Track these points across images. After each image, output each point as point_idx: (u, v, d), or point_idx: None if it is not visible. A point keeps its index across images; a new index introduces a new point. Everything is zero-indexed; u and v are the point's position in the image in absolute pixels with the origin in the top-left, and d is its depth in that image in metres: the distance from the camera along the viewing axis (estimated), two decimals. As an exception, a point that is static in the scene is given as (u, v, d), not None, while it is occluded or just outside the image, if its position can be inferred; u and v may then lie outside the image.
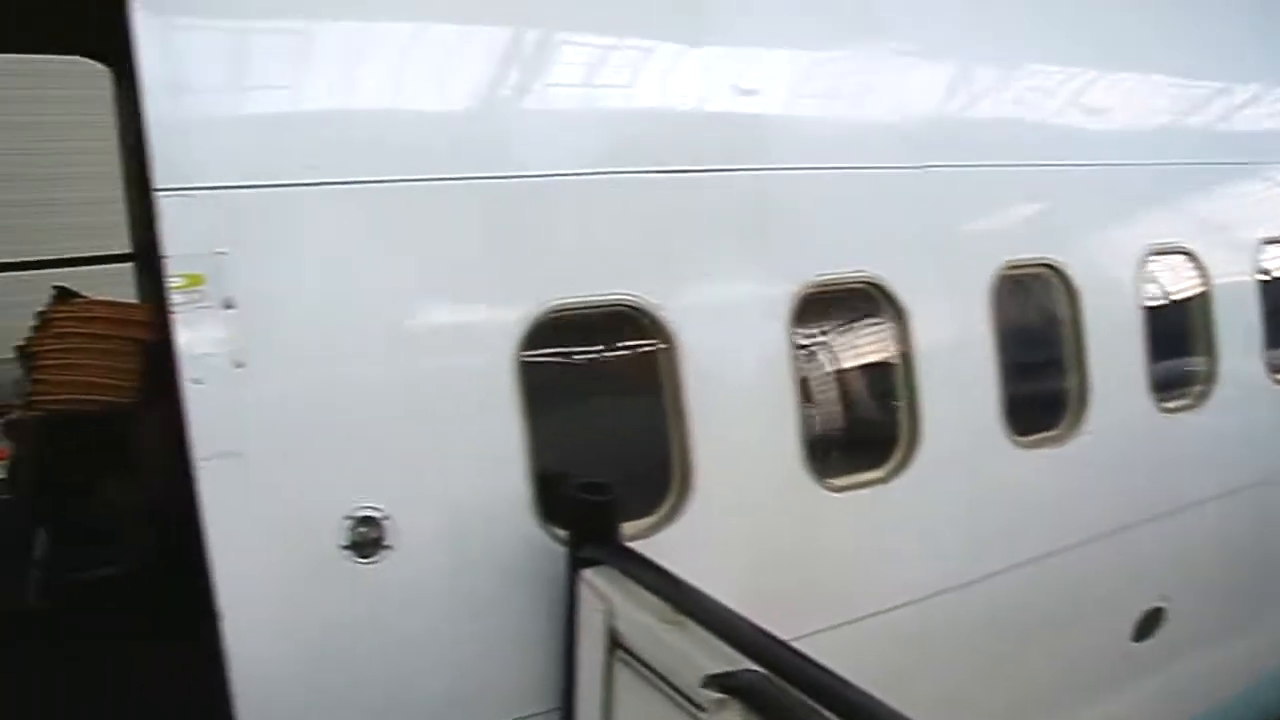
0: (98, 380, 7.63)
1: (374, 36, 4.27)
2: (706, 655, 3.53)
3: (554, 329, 4.36)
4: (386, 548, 4.04)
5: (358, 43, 4.24)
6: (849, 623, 5.20)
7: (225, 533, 3.78)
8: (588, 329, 4.54)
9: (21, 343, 7.90)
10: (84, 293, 8.10)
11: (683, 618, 3.75)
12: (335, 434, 3.97)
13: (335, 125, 4.11)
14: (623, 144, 4.61)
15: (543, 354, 4.36)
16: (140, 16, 3.78)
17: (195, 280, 3.73)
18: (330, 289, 4.00)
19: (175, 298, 3.72)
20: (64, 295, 7.85)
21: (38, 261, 9.77)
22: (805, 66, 5.25)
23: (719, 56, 4.90)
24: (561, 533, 4.32)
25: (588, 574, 4.14)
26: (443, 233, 4.20)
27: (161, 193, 3.74)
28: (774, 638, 3.45)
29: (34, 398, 7.62)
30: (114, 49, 9.28)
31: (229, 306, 3.78)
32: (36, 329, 7.79)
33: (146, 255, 9.31)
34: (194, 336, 3.75)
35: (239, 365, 3.79)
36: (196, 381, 3.73)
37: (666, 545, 4.47)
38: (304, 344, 3.96)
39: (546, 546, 4.31)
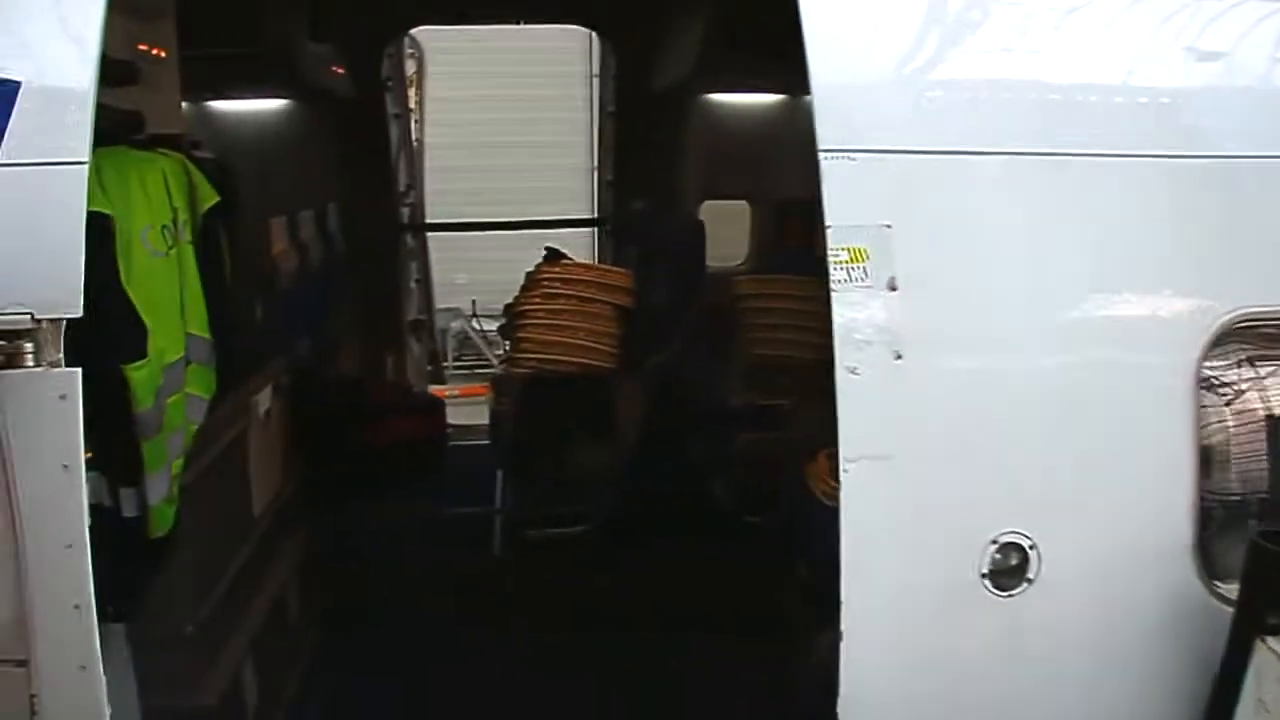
0: (579, 342, 7.47)
1: (1044, 4, 3.58)
2: None
3: (1235, 340, 3.50)
4: (1027, 580, 3.36)
5: (1030, 10, 3.58)
6: None
7: (862, 545, 3.20)
8: (1263, 342, 3.64)
9: (509, 301, 7.87)
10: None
11: None
12: (991, 442, 3.33)
13: (1012, 93, 3.47)
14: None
15: (1220, 368, 3.51)
16: None
17: (858, 256, 3.17)
18: (997, 274, 3.34)
19: (835, 274, 3.15)
20: (552, 256, 7.72)
21: (515, 222, 9.92)
22: None
23: None
24: (1223, 586, 3.47)
25: (1275, 643, 3.26)
26: (1128, 217, 3.43)
27: (825, 154, 3.20)
28: None
29: (517, 355, 7.55)
30: (608, 16, 9.38)
31: (892, 288, 3.19)
32: (524, 288, 7.71)
33: (618, 220, 9.21)
34: (853, 319, 3.18)
35: (898, 356, 3.19)
36: (852, 371, 3.17)
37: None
38: (966, 336, 3.33)
39: (1203, 601, 3.47)
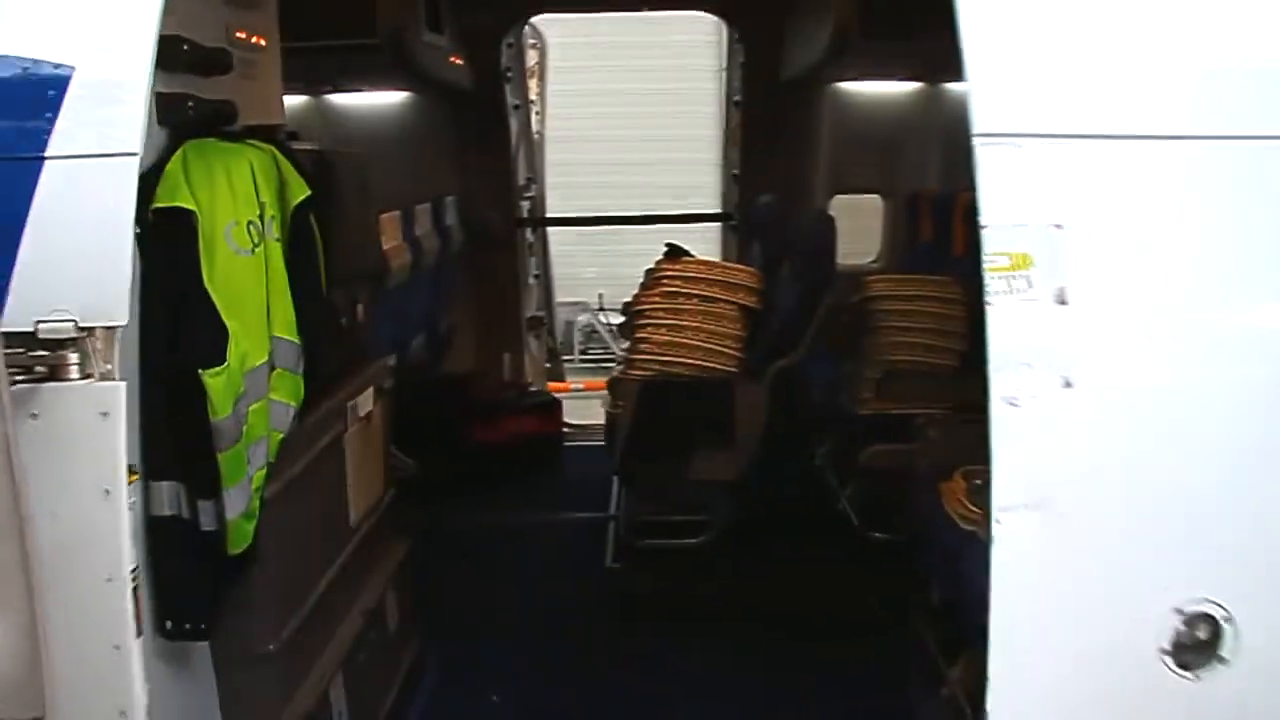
0: (701, 344, 6.96)
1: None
2: None
3: None
4: (1219, 659, 2.70)
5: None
6: None
7: (1015, 611, 2.62)
8: None
9: (628, 299, 7.41)
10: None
11: None
12: (1179, 489, 2.69)
13: (1222, 64, 2.80)
14: None
15: None
16: None
17: (1021, 262, 2.57)
18: (1192, 285, 2.71)
19: (991, 284, 2.57)
20: (673, 253, 7.22)
21: (637, 217, 9.48)
22: None
23: None
24: None
25: None
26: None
27: (983, 139, 2.61)
28: None
29: (635, 356, 7.06)
30: (736, 1, 8.88)
31: (1062, 302, 2.58)
32: (644, 286, 7.23)
33: (743, 215, 8.68)
34: (1012, 339, 2.59)
35: (1067, 385, 2.58)
36: (1010, 403, 2.58)
37: None
38: (1151, 360, 2.71)
39: None
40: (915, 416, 6.64)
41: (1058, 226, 2.60)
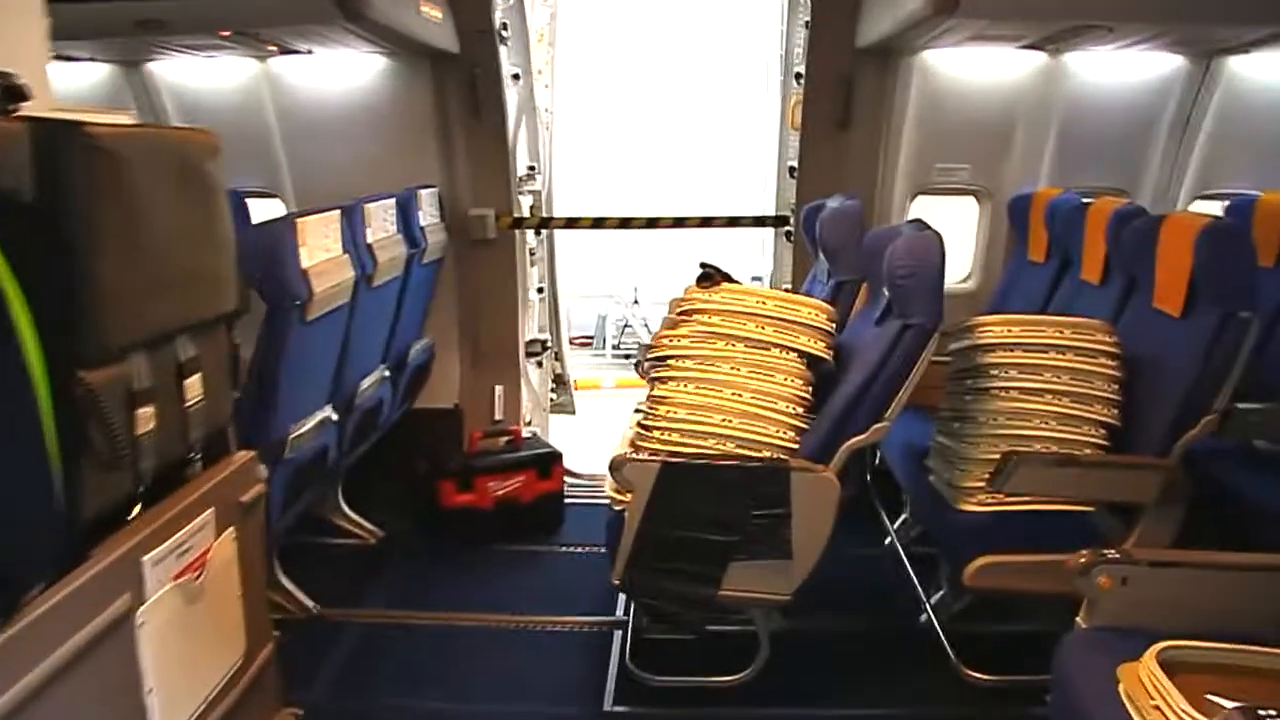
0: (747, 408, 4.66)
1: None
2: None
3: None
4: None
5: None
6: None
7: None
8: None
9: (649, 341, 5.05)
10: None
11: None
12: None
13: None
14: None
15: None
16: None
17: None
18: None
19: None
20: (708, 278, 4.82)
21: (664, 219, 7.08)
22: None
23: None
24: None
25: None
26: None
27: None
28: None
29: (652, 424, 4.70)
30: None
31: None
32: (667, 325, 4.86)
33: (808, 221, 6.28)
34: None
35: None
36: None
37: None
38: None
39: None
40: (1055, 517, 4.37)
41: None
